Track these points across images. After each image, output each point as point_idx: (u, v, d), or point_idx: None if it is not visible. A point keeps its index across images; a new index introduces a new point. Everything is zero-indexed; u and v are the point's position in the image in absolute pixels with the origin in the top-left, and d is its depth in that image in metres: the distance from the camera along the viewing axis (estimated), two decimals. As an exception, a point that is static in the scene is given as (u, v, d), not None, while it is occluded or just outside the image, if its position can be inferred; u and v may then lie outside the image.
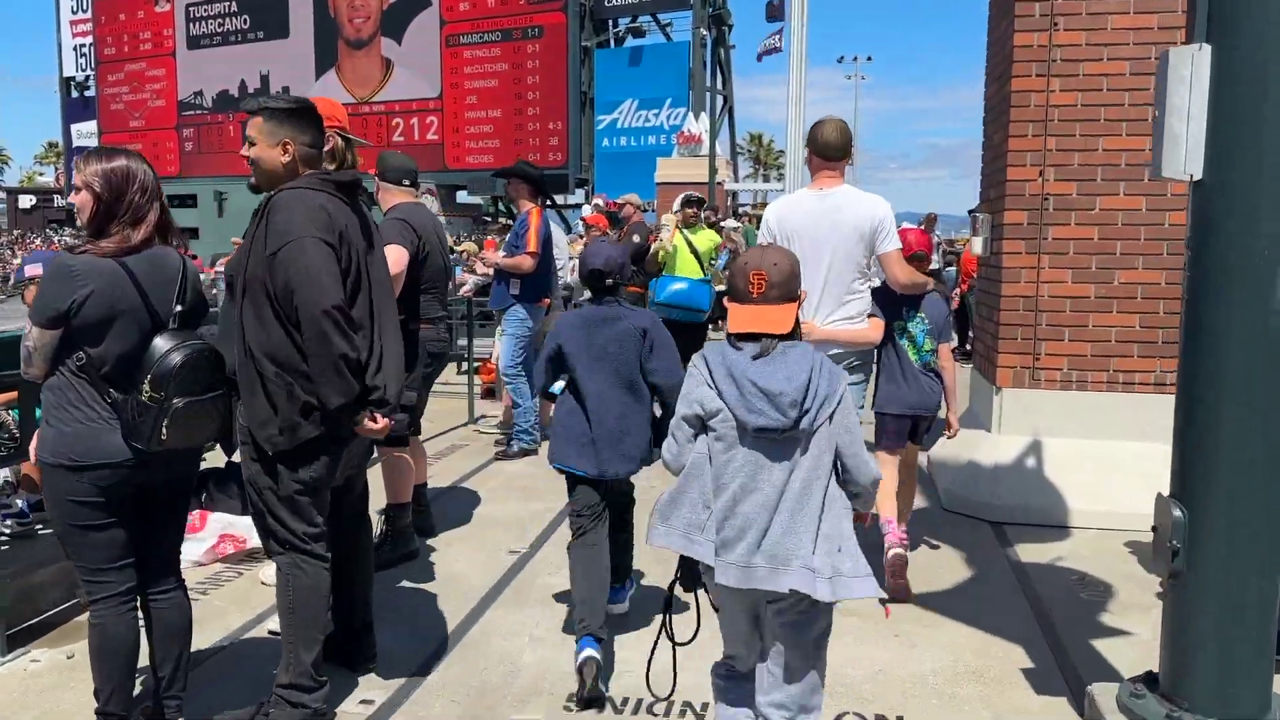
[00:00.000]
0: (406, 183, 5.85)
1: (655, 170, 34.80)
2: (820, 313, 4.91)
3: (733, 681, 3.17)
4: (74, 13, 41.99)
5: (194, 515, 5.73)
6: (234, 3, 39.91)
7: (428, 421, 9.17)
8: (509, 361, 7.90)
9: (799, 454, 2.87)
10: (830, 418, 2.88)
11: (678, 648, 3.29)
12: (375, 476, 5.08)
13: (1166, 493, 3.51)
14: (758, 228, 19.27)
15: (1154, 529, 3.50)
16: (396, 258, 5.32)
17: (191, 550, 5.58)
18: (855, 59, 50.50)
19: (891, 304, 5.16)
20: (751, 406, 2.84)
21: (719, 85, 41.62)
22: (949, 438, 5.75)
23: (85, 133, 41.40)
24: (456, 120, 38.26)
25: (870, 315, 5.06)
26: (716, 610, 3.13)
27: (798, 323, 3.03)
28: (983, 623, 4.92)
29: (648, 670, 3.44)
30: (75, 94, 42.31)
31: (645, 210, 23.63)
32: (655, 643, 3.42)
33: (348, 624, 4.24)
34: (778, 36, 33.61)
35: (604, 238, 11.56)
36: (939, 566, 5.70)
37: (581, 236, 14.29)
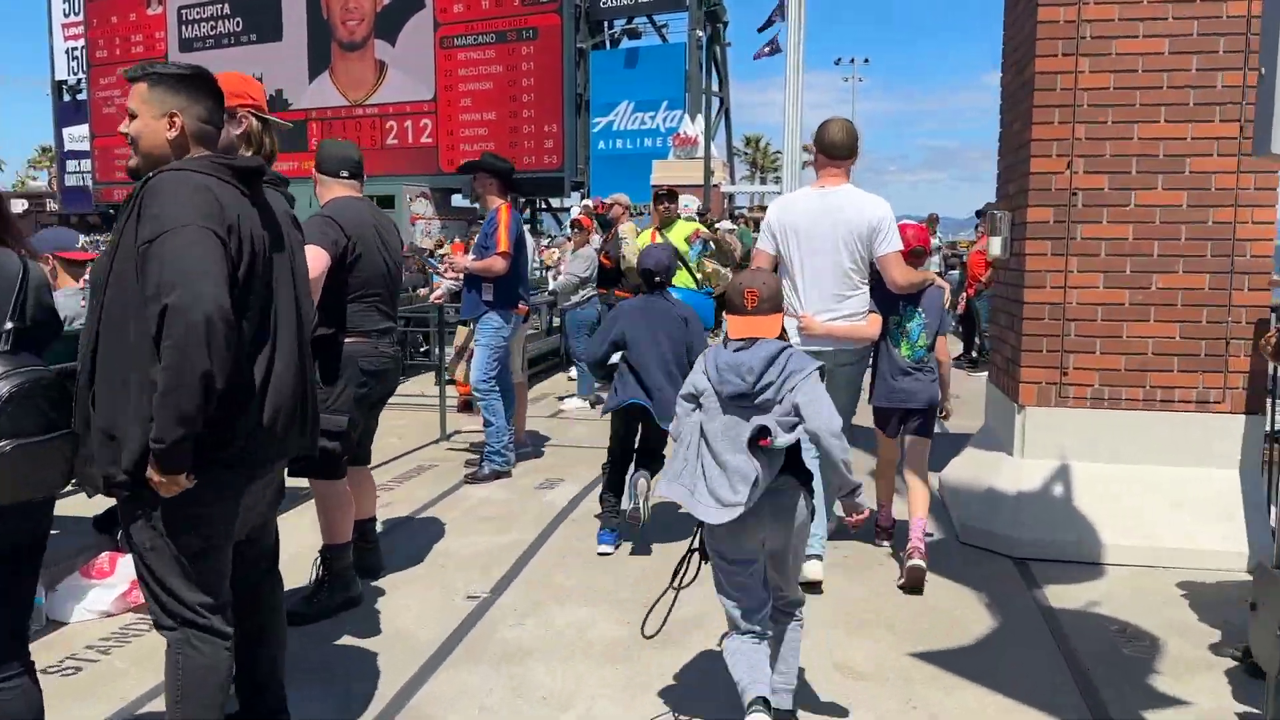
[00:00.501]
0: (346, 174, 5.06)
1: (651, 173, 34.09)
2: (819, 308, 4.97)
3: (745, 642, 3.53)
4: (65, 16, 41.19)
5: (104, 558, 4.94)
6: (227, 5, 39.15)
7: (396, 439, 8.48)
8: (481, 375, 7.11)
9: (765, 418, 3.39)
10: (793, 390, 3.40)
11: (679, 591, 3.74)
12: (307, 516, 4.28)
13: (1237, 543, 2.73)
14: (754, 230, 18.51)
15: (1252, 606, 2.71)
16: (312, 261, 4.54)
17: (99, 599, 4.78)
18: (853, 61, 49.75)
19: (888, 300, 5.22)
20: (724, 379, 3.48)
21: (715, 87, 40.87)
22: (942, 418, 5.69)
23: (77, 136, 40.63)
24: (451, 123, 37.52)
25: (869, 312, 5.12)
26: (715, 567, 3.62)
27: (784, 329, 3.67)
28: (1011, 685, 4.12)
29: (648, 616, 3.80)
30: (67, 97, 41.50)
31: (639, 214, 23.11)
32: (666, 590, 3.78)
33: (252, 708, 3.44)
34: (774, 40, 32.81)
35: (590, 239, 10.83)
36: (958, 612, 4.90)
37: (569, 239, 13.53)
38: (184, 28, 39.36)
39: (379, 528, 5.68)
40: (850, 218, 4.95)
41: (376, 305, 4.94)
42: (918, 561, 5.09)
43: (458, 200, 38.67)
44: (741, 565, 3.51)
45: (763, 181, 47.31)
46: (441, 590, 5.16)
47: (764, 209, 34.94)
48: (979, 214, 12.27)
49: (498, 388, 7.15)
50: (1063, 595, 5.11)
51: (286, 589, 3.60)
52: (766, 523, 3.44)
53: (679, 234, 8.14)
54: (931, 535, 5.54)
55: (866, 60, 51.61)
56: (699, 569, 3.68)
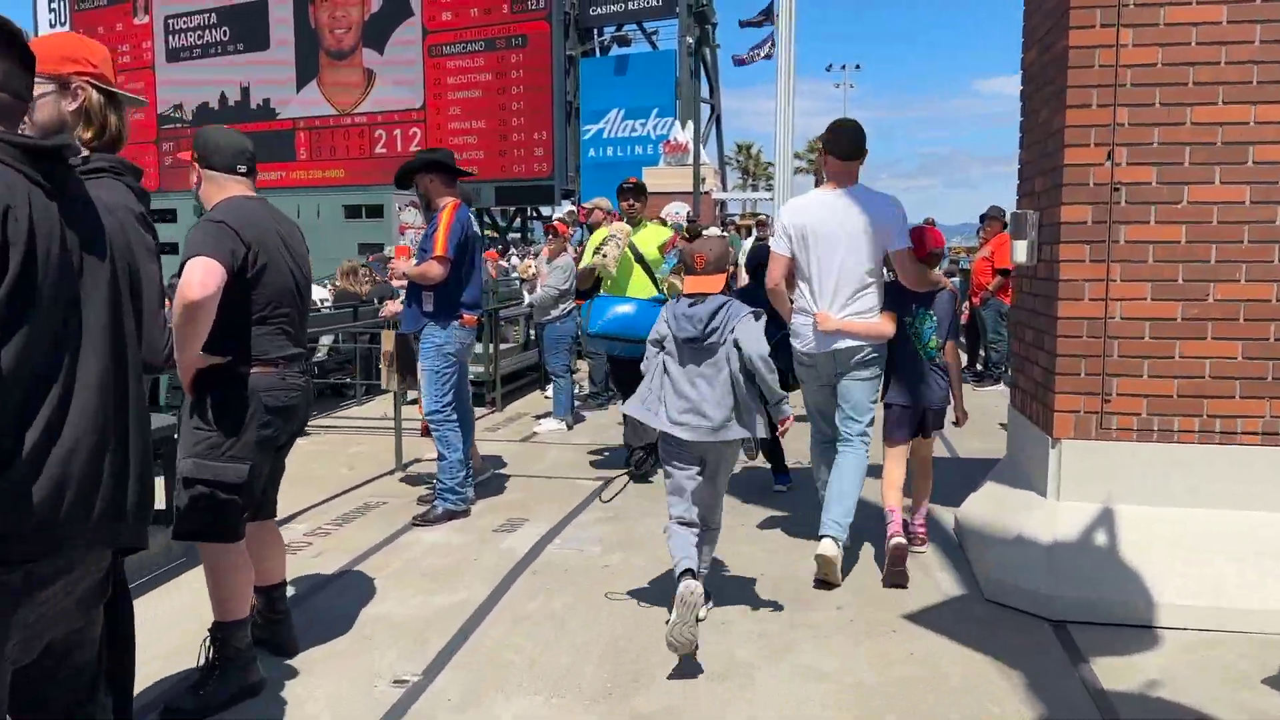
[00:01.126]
0: (242, 169, 4.10)
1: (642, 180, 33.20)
2: (834, 306, 5.00)
3: (681, 526, 4.43)
4: (52, 25, 40.27)
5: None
6: (214, 14, 38.22)
7: (346, 469, 7.50)
8: (433, 402, 6.15)
9: (713, 357, 4.35)
10: (733, 330, 4.31)
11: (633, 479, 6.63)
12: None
13: None
14: (744, 236, 17.48)
15: None
16: (202, 275, 3.57)
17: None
18: (844, 67, 48.77)
19: (901, 300, 5.20)
20: (680, 327, 4.40)
21: (706, 94, 39.99)
22: (956, 425, 5.64)
23: (64, 147, 39.60)
24: (440, 131, 36.58)
25: (884, 310, 5.12)
26: (667, 474, 4.56)
27: (728, 285, 4.57)
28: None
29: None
30: (53, 108, 40.44)
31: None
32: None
33: None
34: (765, 46, 31.89)
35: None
36: (985, 694, 3.94)
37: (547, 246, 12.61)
38: (171, 37, 38.43)
39: (294, 589, 4.72)
40: (862, 216, 4.97)
41: (283, 327, 3.97)
42: (899, 540, 5.16)
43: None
44: (683, 470, 4.47)
45: (754, 189, 46.43)
46: (363, 671, 4.15)
47: (755, 216, 34.08)
48: (984, 218, 11.34)
49: (455, 415, 6.19)
50: (1115, 672, 4.13)
51: (173, 672, 2.62)
52: (707, 445, 4.40)
53: (649, 239, 7.07)
54: (922, 536, 5.70)
55: (859, 67, 50.87)
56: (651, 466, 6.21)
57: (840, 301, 5.01)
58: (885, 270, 5.26)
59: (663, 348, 4.49)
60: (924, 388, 5.30)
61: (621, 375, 6.83)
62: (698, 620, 4.04)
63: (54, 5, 39.93)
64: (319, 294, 11.37)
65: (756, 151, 53.76)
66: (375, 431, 8.76)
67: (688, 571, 4.21)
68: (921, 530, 5.60)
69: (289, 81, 37.32)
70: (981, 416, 9.46)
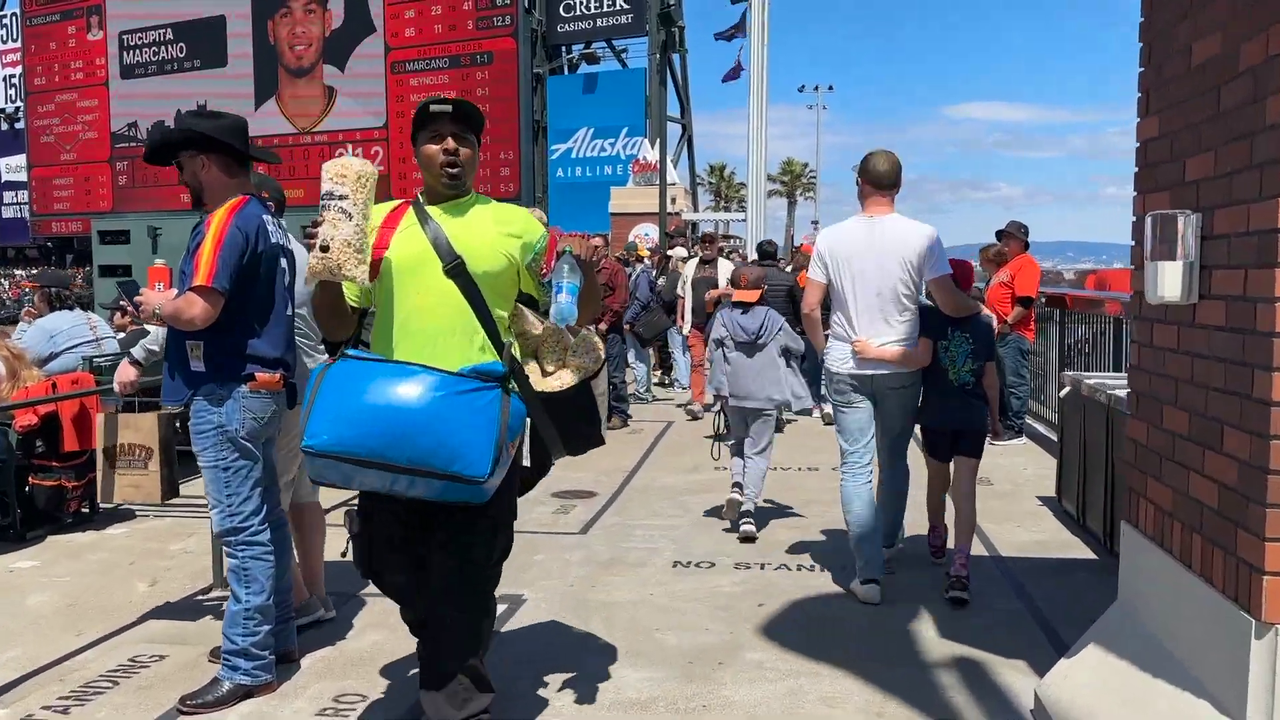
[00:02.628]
0: None
1: (610, 200, 31.03)
2: (872, 332, 4.87)
3: (738, 450, 6.36)
4: (3, 42, 37.82)
5: None
6: (170, 30, 35.85)
7: (145, 585, 4.66)
8: (225, 520, 3.77)
9: (760, 353, 6.16)
10: (776, 334, 6.19)
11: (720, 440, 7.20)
12: None
13: None
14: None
15: None
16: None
17: None
18: (816, 88, 46.79)
19: (937, 324, 5.02)
20: (735, 332, 6.20)
21: (677, 114, 37.83)
22: (991, 443, 5.50)
23: (14, 166, 37.22)
24: (404, 150, 34.24)
25: (920, 336, 4.95)
26: (728, 429, 6.63)
27: (763, 299, 6.36)
28: None
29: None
30: (4, 126, 38.05)
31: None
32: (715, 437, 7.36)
33: None
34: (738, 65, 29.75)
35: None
36: None
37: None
38: (125, 54, 36.00)
39: None
40: (900, 244, 4.85)
41: None
42: (959, 594, 4.83)
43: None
44: (742, 424, 6.29)
45: (726, 209, 44.28)
46: None
47: (729, 238, 31.86)
48: (1001, 235, 9.08)
49: (263, 531, 3.86)
50: None
51: None
52: (751, 413, 6.24)
53: (476, 226, 4.48)
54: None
55: (830, 88, 48.77)
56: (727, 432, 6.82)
57: (878, 328, 4.87)
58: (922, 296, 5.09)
59: (722, 345, 6.29)
60: (960, 412, 5.06)
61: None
62: (742, 513, 6.08)
63: (4, 20, 37.45)
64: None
65: (729, 173, 51.68)
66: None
67: (738, 486, 6.23)
68: (964, 572, 4.93)
69: (247, 99, 34.90)
70: (1012, 489, 7.19)
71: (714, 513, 6.59)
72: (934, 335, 4.99)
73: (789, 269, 12.16)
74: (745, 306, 6.21)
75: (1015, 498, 7.01)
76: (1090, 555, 5.68)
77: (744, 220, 32.07)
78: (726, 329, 6.22)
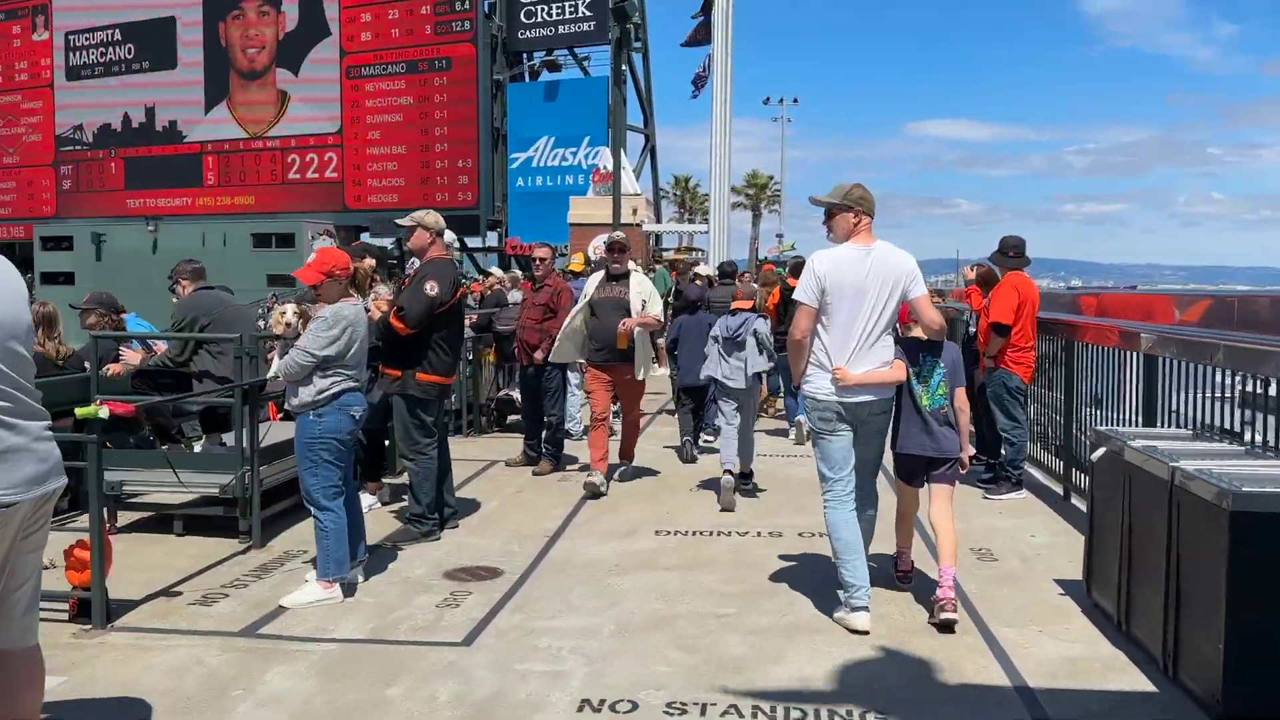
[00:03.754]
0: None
1: (569, 210, 29.41)
2: (857, 359, 4.76)
3: (729, 431, 7.38)
4: (-57, 39, 35.71)
5: None
6: (118, 31, 33.97)
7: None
8: None
9: (741, 347, 7.35)
10: (754, 333, 7.35)
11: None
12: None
13: None
14: (675, 273, 14.01)
15: None
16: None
17: None
18: (781, 101, 45.32)
19: (910, 351, 5.00)
20: (723, 331, 7.42)
21: (640, 124, 36.27)
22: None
23: (-46, 170, 35.11)
24: (358, 157, 32.56)
25: (895, 359, 4.92)
26: (720, 410, 7.63)
27: (754, 307, 7.90)
28: None
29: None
30: (-55, 128, 35.90)
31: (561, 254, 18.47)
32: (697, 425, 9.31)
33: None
34: (706, 66, 28.18)
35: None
36: None
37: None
38: (72, 54, 34.09)
39: None
40: (890, 270, 4.81)
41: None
42: (950, 616, 4.66)
43: (366, 239, 33.69)
44: (730, 403, 7.39)
45: (691, 221, 42.73)
46: None
47: (692, 251, 30.31)
48: (1008, 252, 7.49)
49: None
50: None
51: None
52: (742, 392, 7.37)
53: None
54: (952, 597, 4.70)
55: (796, 100, 47.21)
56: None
57: (862, 354, 4.77)
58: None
59: (718, 340, 7.46)
60: (931, 436, 4.96)
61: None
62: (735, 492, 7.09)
63: (-55, 18, 35.33)
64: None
65: (694, 185, 50.14)
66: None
67: (732, 467, 7.18)
68: (950, 593, 4.73)
69: (197, 103, 33.07)
70: (1022, 566, 5.63)
71: (649, 600, 4.99)
72: (908, 361, 4.96)
73: (756, 285, 10.97)
74: (736, 312, 7.59)
75: (1029, 581, 5.42)
76: (1147, 684, 4.08)
77: (707, 232, 30.54)
78: (717, 329, 7.54)
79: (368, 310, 6.36)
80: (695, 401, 9.12)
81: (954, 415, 5.01)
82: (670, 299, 11.60)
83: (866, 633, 4.59)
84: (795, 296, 4.95)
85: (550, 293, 7.96)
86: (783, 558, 5.82)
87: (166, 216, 31.49)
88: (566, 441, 8.89)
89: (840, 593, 4.77)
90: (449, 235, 11.62)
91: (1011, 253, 7.44)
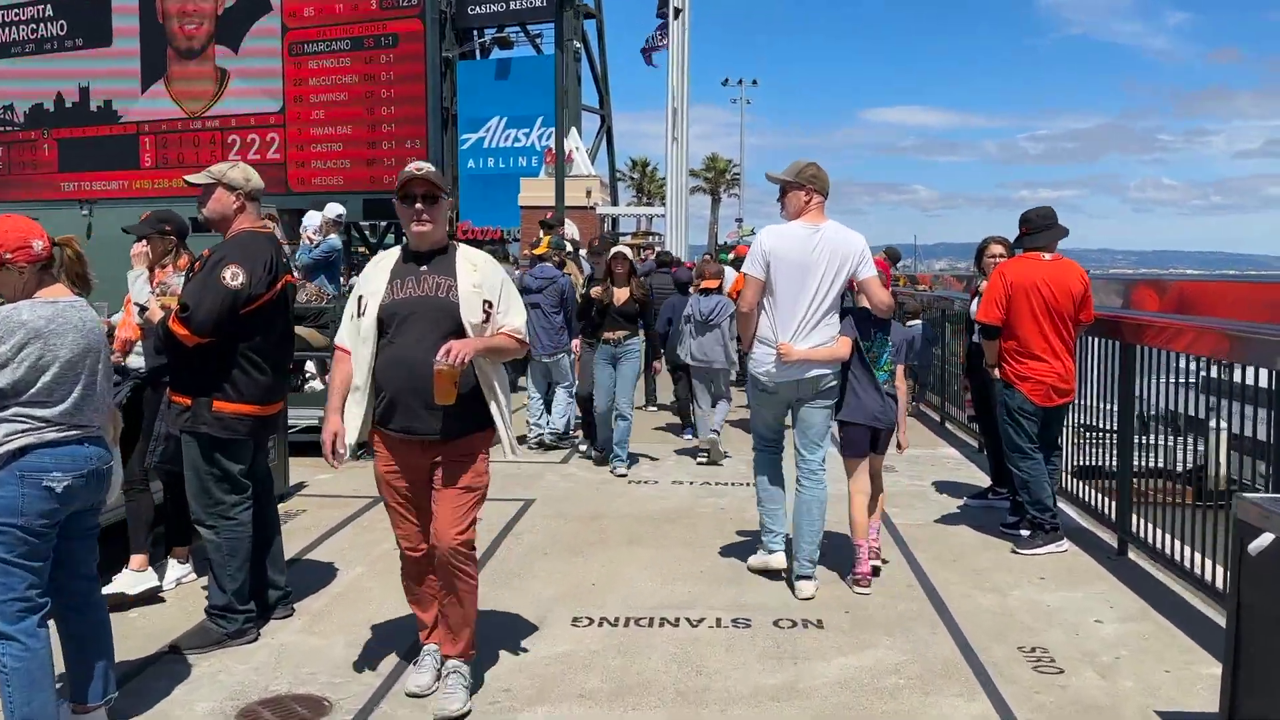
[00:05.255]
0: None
1: (519, 192, 27.27)
2: (801, 335, 4.68)
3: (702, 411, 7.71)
4: None
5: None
6: (49, 6, 31.29)
7: None
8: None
9: (714, 329, 7.48)
10: (729, 317, 7.29)
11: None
12: None
13: None
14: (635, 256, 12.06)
15: None
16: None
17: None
18: (740, 82, 43.15)
19: (862, 326, 4.88)
20: (697, 311, 7.55)
21: (596, 105, 34.12)
22: (899, 449, 5.26)
23: (-124, 151, 32.34)
24: (301, 137, 30.14)
25: (839, 335, 4.81)
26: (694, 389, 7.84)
27: (719, 287, 7.83)
28: None
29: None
30: None
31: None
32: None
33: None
34: (660, 34, 26.03)
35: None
36: None
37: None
38: (1, 31, 31.40)
39: None
40: (838, 249, 4.71)
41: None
42: (875, 563, 4.89)
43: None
44: (704, 377, 7.68)
45: (649, 205, 40.61)
46: None
47: (649, 235, 28.21)
48: (1022, 228, 5.46)
49: None
50: None
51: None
52: (713, 372, 7.65)
53: None
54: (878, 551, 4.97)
55: (755, 82, 44.77)
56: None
57: (806, 331, 4.68)
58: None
59: (690, 320, 7.66)
60: (880, 408, 4.88)
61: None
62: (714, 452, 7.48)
63: None
64: None
65: (652, 169, 47.93)
66: None
67: (714, 432, 7.62)
68: (876, 544, 5.00)
69: (133, 81, 30.50)
70: (1099, 680, 3.66)
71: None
72: (860, 335, 4.85)
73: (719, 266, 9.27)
74: (707, 292, 7.76)
75: (1116, 717, 3.46)
76: None
77: (664, 215, 28.51)
78: (690, 310, 7.72)
79: (143, 310, 4.29)
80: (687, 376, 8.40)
81: (894, 390, 5.01)
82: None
83: (784, 569, 4.82)
84: (742, 269, 4.95)
85: None
86: (755, 665, 3.81)
87: (102, 200, 28.99)
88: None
89: (761, 535, 4.97)
90: (333, 210, 9.52)
91: (1024, 228, 5.48)
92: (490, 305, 3.46)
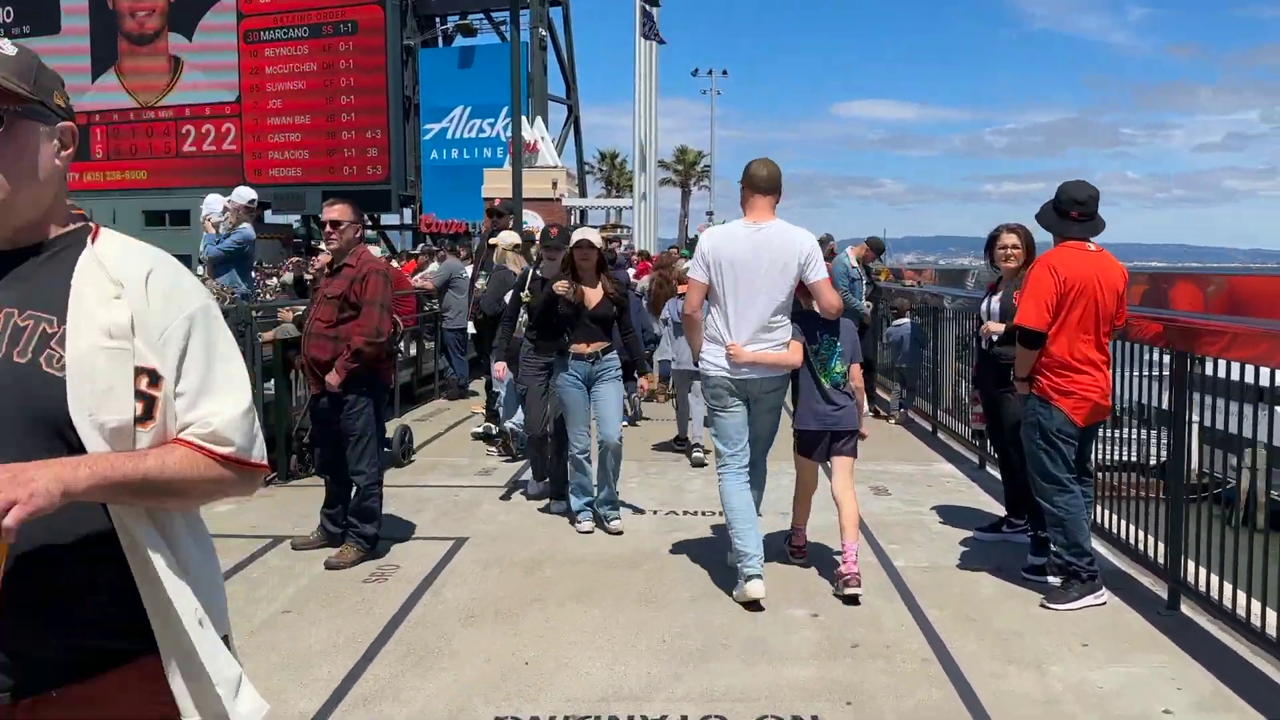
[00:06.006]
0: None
1: (483, 183, 26.10)
2: (749, 339, 4.48)
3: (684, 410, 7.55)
4: None
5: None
6: (-6, -9, 29.90)
7: None
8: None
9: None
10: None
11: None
12: None
13: None
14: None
15: None
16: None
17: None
18: (710, 72, 42.11)
19: (808, 328, 4.69)
20: (673, 315, 7.04)
21: (563, 94, 32.95)
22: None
23: None
24: (258, 127, 28.90)
25: (791, 339, 4.63)
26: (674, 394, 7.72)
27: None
28: None
29: None
30: None
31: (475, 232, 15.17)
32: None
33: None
34: (646, 22, 24.86)
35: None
36: None
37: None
38: (-57, 18, 29.91)
39: None
40: (784, 250, 4.51)
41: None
42: (854, 590, 4.37)
43: (269, 216, 30.07)
44: (687, 383, 7.20)
45: (618, 196, 39.49)
46: None
47: (618, 228, 27.09)
48: (1068, 210, 4.40)
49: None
50: None
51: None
52: (693, 374, 6.44)
53: None
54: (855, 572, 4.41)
55: (725, 73, 43.69)
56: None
57: (756, 334, 4.47)
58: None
59: (668, 323, 7.47)
60: (834, 413, 4.67)
61: None
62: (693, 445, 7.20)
63: None
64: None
65: (620, 161, 46.78)
66: None
67: (697, 445, 7.19)
68: (854, 568, 4.44)
69: (83, 70, 29.07)
70: None
71: None
72: (807, 339, 4.69)
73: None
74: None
75: None
76: None
77: (631, 207, 27.42)
78: (668, 312, 7.59)
79: None
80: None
81: (852, 390, 4.78)
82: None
83: (761, 598, 4.29)
84: (688, 273, 4.85)
85: (349, 279, 4.79)
86: None
87: (51, 193, 27.72)
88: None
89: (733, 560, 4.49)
90: (243, 195, 8.38)
91: (1075, 212, 4.41)
92: (155, 378, 1.41)
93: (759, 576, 4.32)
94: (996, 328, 4.99)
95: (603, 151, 48.03)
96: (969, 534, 5.33)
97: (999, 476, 6.14)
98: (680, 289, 7.31)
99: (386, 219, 32.34)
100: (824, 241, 12.30)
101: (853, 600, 4.33)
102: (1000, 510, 5.58)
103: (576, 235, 5.59)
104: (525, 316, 5.92)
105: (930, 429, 8.31)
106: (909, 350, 8.57)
